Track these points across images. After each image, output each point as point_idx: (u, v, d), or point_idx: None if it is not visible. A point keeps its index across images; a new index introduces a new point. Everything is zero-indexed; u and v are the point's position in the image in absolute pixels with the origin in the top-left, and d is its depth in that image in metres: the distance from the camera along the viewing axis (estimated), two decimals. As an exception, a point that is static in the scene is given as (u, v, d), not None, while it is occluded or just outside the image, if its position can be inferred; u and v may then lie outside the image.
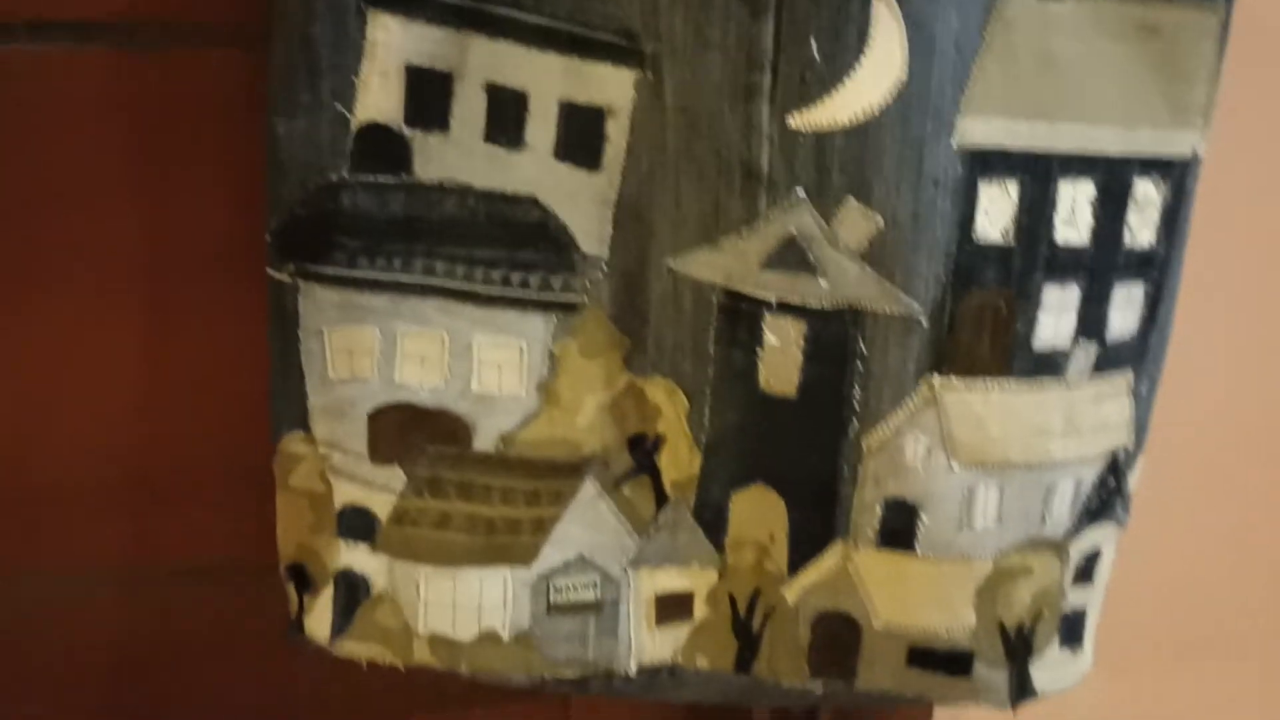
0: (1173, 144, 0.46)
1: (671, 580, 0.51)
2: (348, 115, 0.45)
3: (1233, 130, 0.49)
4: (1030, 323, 0.45)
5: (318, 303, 0.47)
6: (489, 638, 0.50)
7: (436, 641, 0.50)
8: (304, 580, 0.52)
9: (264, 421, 0.50)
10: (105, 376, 0.55)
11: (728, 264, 0.45)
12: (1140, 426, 0.50)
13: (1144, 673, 0.73)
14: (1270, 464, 0.69)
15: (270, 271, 0.48)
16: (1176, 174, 0.46)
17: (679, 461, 0.49)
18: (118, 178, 0.52)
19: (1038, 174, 0.44)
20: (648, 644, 0.52)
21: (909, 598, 0.49)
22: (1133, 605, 0.61)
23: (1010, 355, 0.45)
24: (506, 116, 0.45)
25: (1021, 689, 0.51)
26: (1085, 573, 0.52)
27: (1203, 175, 0.47)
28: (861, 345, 0.45)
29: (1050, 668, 0.52)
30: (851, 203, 0.43)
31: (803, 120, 0.42)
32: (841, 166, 0.42)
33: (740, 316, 0.46)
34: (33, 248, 0.52)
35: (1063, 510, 0.49)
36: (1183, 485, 0.66)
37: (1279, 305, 0.65)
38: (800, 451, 0.47)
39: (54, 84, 0.50)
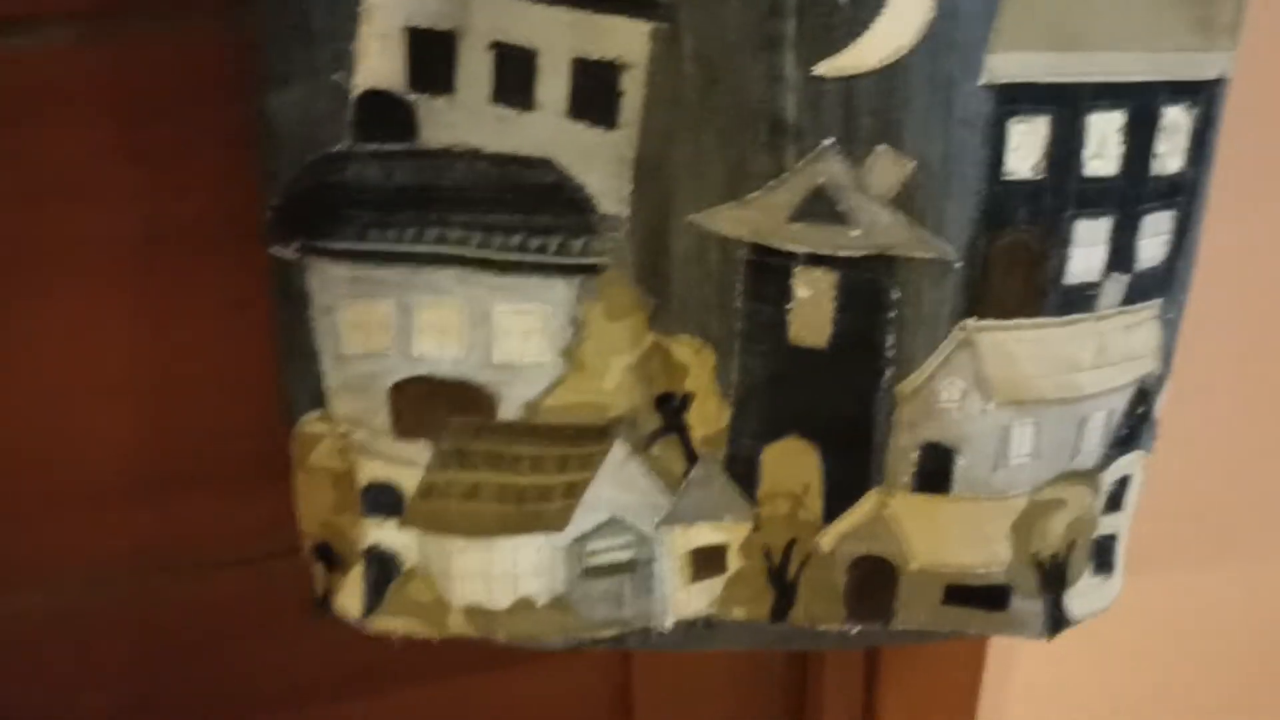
0: (1201, 67, 0.44)
1: (705, 535, 0.51)
2: (346, 84, 0.43)
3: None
4: (1062, 259, 0.44)
5: (327, 279, 0.45)
6: (524, 604, 0.50)
7: (472, 612, 0.50)
8: (331, 559, 0.51)
9: (271, 406, 0.49)
10: (108, 369, 0.54)
11: (754, 218, 0.43)
12: (1168, 352, 0.50)
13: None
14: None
15: (273, 250, 0.46)
16: (1204, 97, 0.45)
17: (708, 417, 0.48)
18: (108, 169, 0.50)
19: (1066, 106, 0.43)
20: (683, 599, 0.52)
21: (945, 538, 0.49)
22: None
23: (1043, 293, 0.45)
24: (515, 76, 0.43)
25: (1057, 619, 0.52)
26: (1115, 500, 0.52)
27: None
28: (895, 292, 0.44)
29: (1083, 595, 0.52)
30: (882, 148, 0.41)
31: (829, 66, 0.40)
32: (871, 111, 0.41)
33: (768, 270, 0.44)
34: (27, 245, 0.50)
35: (1095, 441, 0.49)
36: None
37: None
38: (832, 402, 0.47)
39: (35, 79, 0.48)
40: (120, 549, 0.58)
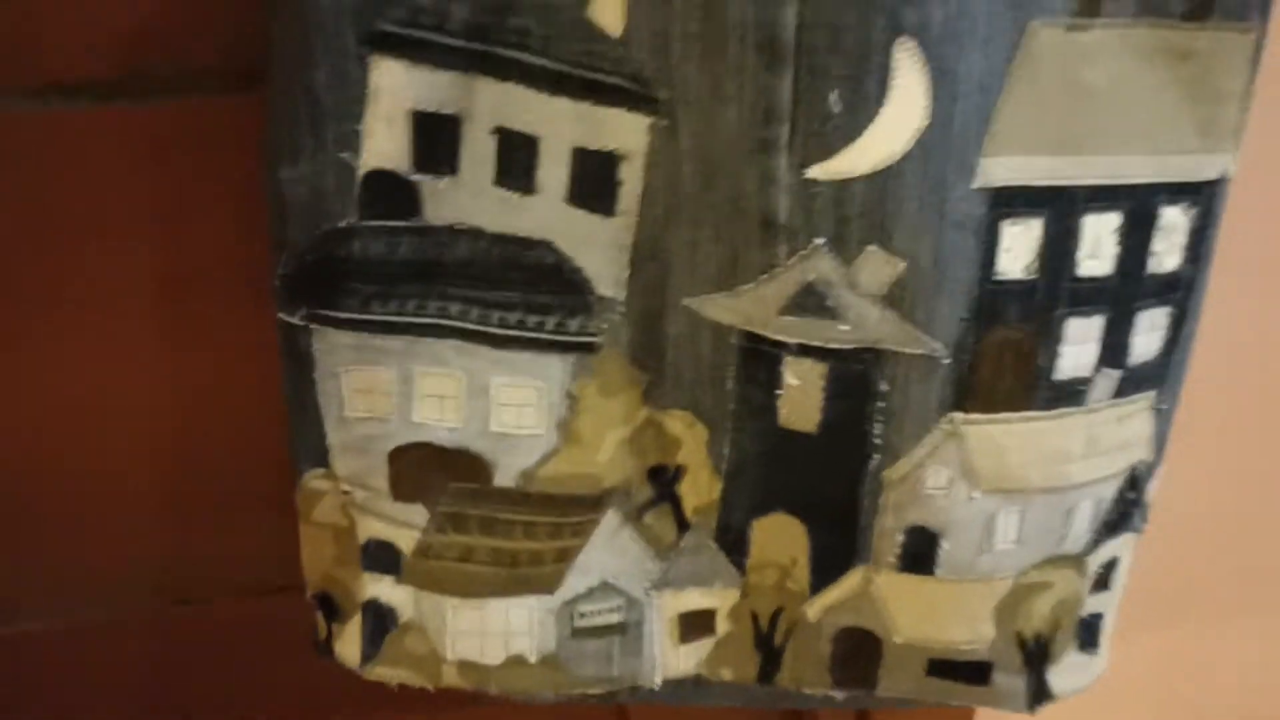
0: (1202, 169, 0.44)
1: (694, 600, 0.52)
2: (353, 162, 0.44)
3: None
4: (1052, 356, 0.45)
5: (332, 345, 0.47)
6: (516, 661, 0.51)
7: (465, 666, 0.51)
8: (332, 608, 0.53)
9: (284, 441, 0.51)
10: (131, 403, 0.56)
11: (746, 309, 0.44)
12: (1161, 440, 0.50)
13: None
14: None
15: (281, 315, 0.47)
16: (1205, 197, 0.45)
17: (700, 489, 0.49)
18: (130, 222, 0.52)
19: (1061, 209, 0.43)
20: (672, 659, 0.53)
21: (929, 615, 0.50)
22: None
23: (1032, 388, 0.45)
24: (517, 161, 0.44)
25: (1039, 694, 0.52)
26: (1103, 581, 0.53)
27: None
28: (883, 384, 0.45)
29: (1067, 671, 0.53)
30: (872, 249, 0.42)
31: (821, 171, 0.41)
32: (861, 214, 0.41)
33: (760, 357, 0.45)
34: (57, 287, 0.52)
35: (1083, 527, 0.50)
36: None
37: None
38: (821, 483, 0.48)
39: (72, 139, 0.49)
40: (136, 575, 0.60)
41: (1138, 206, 0.44)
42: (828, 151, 0.40)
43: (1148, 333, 0.47)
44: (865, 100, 0.39)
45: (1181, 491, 0.65)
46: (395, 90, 0.43)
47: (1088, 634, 0.53)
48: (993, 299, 0.44)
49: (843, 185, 0.41)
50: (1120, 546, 0.52)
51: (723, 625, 0.53)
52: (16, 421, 0.55)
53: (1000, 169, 0.42)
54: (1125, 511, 0.51)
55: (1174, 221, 0.45)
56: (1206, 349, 0.57)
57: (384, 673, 0.52)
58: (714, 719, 0.70)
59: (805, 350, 0.45)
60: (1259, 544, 0.74)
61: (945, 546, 0.48)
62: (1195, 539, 0.73)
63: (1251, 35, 0.42)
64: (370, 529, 0.50)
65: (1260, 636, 0.78)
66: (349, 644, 0.52)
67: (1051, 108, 0.41)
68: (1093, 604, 0.53)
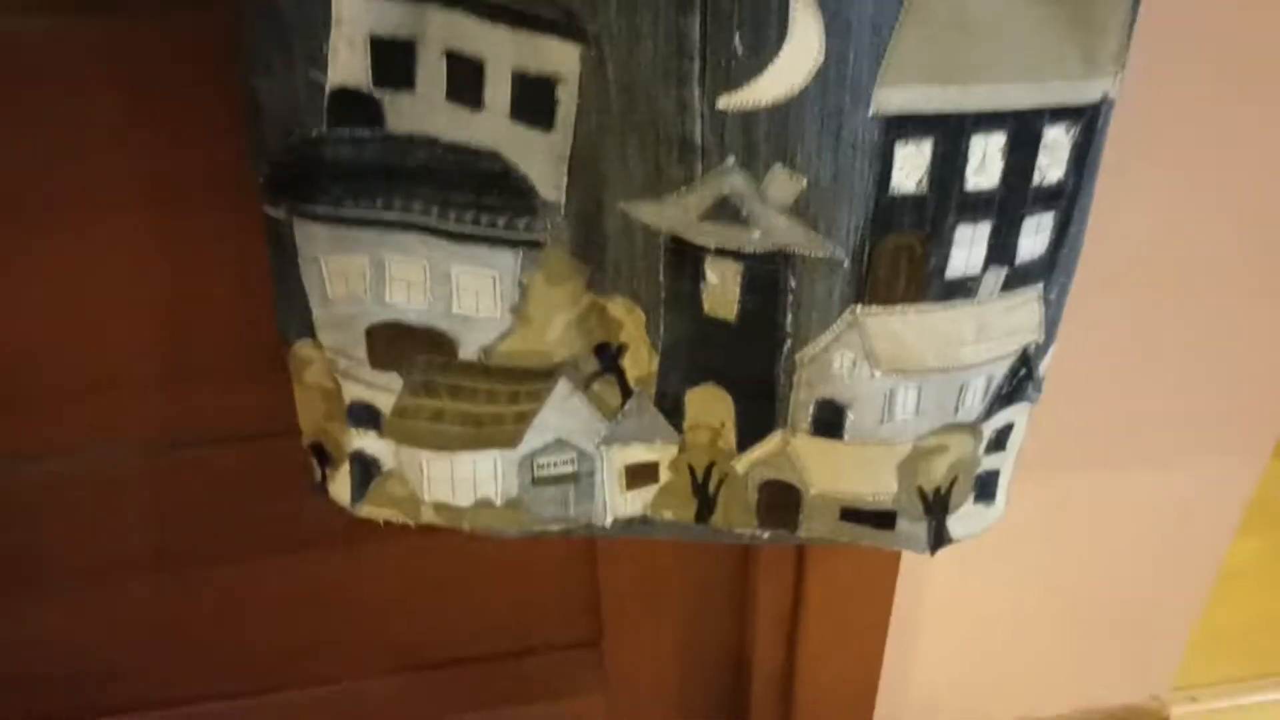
0: (1084, 93, 0.47)
1: (639, 454, 0.59)
2: (320, 79, 0.48)
3: None
4: (944, 258, 0.49)
5: (311, 235, 0.52)
6: (484, 503, 0.58)
7: (440, 507, 0.59)
8: (324, 456, 0.60)
9: (270, 317, 0.57)
10: (130, 281, 0.61)
11: (671, 215, 0.49)
12: (1051, 323, 0.55)
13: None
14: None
15: (265, 209, 0.53)
16: (1087, 117, 0.48)
17: (640, 362, 0.55)
18: (120, 127, 0.56)
19: (950, 132, 0.46)
20: (620, 503, 0.60)
21: (839, 472, 0.56)
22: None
23: (925, 285, 0.50)
24: (465, 81, 0.48)
25: (939, 538, 0.59)
26: (998, 442, 0.58)
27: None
28: (791, 281, 0.49)
29: (965, 519, 0.59)
30: (778, 168, 0.46)
31: (730, 101, 0.44)
32: (767, 138, 0.45)
33: (685, 256, 0.50)
34: (56, 188, 0.57)
35: (975, 400, 0.55)
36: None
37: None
38: (743, 362, 0.53)
39: (41, 55, 0.53)
40: (137, 428, 0.66)
41: (1022, 128, 0.47)
42: (734, 85, 0.44)
43: (1033, 234, 0.50)
44: (766, 41, 0.43)
45: (1075, 357, 0.71)
46: (355, 18, 0.47)
47: (984, 488, 0.59)
48: (887, 210, 0.48)
49: (749, 114, 0.45)
50: (1015, 414, 0.58)
51: (665, 475, 0.60)
52: (28, 302, 0.60)
53: (893, 99, 0.45)
54: (1018, 385, 0.56)
55: (1057, 139, 0.48)
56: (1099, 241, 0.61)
57: (371, 511, 0.60)
58: (670, 549, 0.79)
59: (723, 252, 0.49)
60: (1141, 399, 0.80)
61: (851, 416, 0.54)
62: (1087, 396, 0.79)
63: (1134, -31, 0.45)
64: (354, 391, 0.56)
65: (1142, 483, 0.84)
66: (340, 486, 0.59)
67: (940, 43, 0.45)
68: (989, 462, 0.58)
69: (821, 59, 0.44)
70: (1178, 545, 0.88)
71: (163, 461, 0.68)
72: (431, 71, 0.48)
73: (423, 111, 0.49)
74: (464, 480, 0.58)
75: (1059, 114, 0.48)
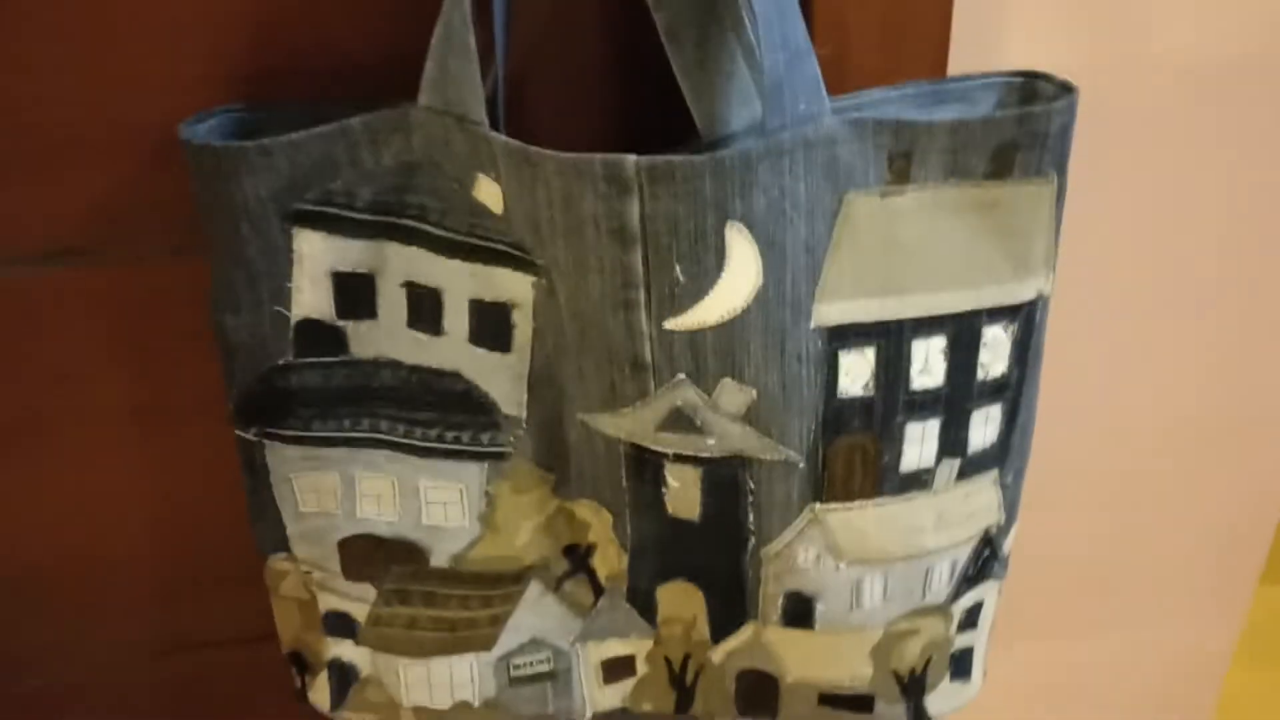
0: (1018, 293, 0.49)
1: (614, 648, 0.59)
2: (286, 313, 0.50)
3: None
4: (896, 455, 0.50)
5: (282, 456, 0.54)
6: (463, 706, 0.59)
7: (419, 710, 0.59)
8: (302, 664, 0.60)
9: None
10: (125, 506, 0.63)
11: (629, 426, 0.50)
12: (1010, 505, 0.56)
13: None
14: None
15: (238, 433, 0.54)
16: (1024, 314, 0.50)
17: (609, 561, 0.56)
18: (103, 362, 0.58)
19: (891, 338, 0.48)
20: (599, 696, 0.60)
21: (814, 660, 0.56)
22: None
23: (880, 481, 0.51)
24: (425, 309, 0.50)
25: (918, 718, 0.59)
26: (969, 621, 0.59)
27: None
28: (750, 483, 0.50)
29: (943, 697, 0.59)
30: (727, 381, 0.47)
31: (676, 324, 0.46)
32: (714, 354, 0.47)
33: (645, 463, 0.51)
34: (47, 417, 0.59)
35: (941, 584, 0.55)
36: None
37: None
38: (709, 559, 0.54)
39: (50, 295, 0.56)
40: (135, 637, 0.67)
41: (961, 331, 0.49)
42: (679, 310, 0.46)
43: (983, 425, 0.52)
44: (706, 271, 0.45)
45: (1050, 525, 0.72)
46: (316, 256, 0.49)
47: (959, 666, 0.59)
48: (837, 414, 0.49)
49: (695, 334, 0.46)
50: (983, 592, 0.58)
51: (641, 667, 0.60)
52: (23, 525, 0.62)
53: (832, 312, 0.47)
54: (983, 565, 0.57)
55: (997, 337, 0.49)
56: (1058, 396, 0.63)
57: (351, 717, 0.60)
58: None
59: (681, 458, 0.50)
60: (1118, 565, 0.80)
61: (820, 606, 0.54)
62: (1062, 562, 0.79)
63: (1052, 185, 0.47)
64: (329, 602, 0.57)
65: (1119, 647, 0.84)
66: (320, 693, 0.60)
67: (873, 260, 0.46)
68: (961, 640, 0.59)
69: (760, 281, 0.45)
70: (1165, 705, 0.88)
71: (163, 666, 0.69)
72: (392, 301, 0.50)
73: (384, 339, 0.51)
74: (441, 684, 0.58)
75: (996, 314, 0.49)
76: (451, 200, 0.48)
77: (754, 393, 0.48)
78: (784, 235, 0.45)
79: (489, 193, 0.47)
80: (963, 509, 0.54)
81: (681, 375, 0.48)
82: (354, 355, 0.51)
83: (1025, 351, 0.51)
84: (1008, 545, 0.58)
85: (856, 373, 0.49)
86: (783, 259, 0.45)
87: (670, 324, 0.46)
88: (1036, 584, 0.79)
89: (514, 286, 0.49)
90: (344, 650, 0.58)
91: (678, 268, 0.45)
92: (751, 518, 0.52)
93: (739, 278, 0.45)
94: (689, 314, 0.46)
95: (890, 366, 0.49)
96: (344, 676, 0.59)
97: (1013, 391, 0.52)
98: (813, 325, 0.47)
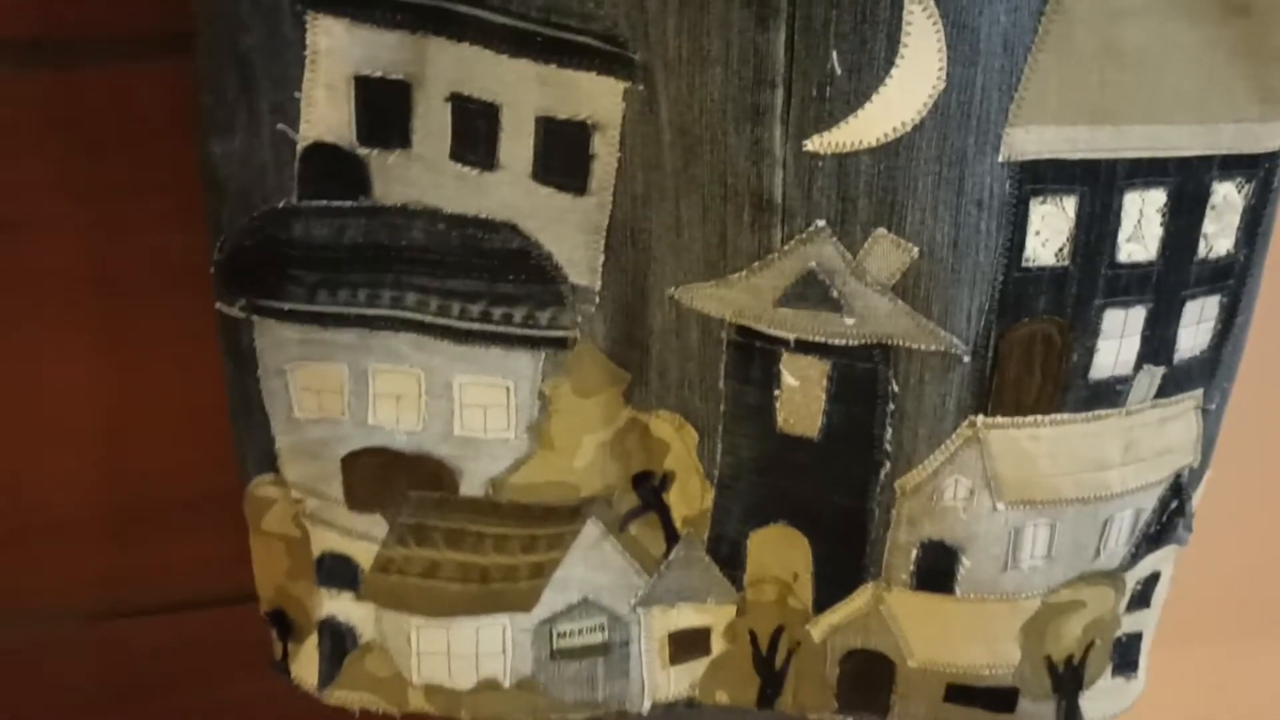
0: (1260, 139, 0.40)
1: (687, 617, 0.49)
2: (291, 135, 0.40)
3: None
4: (1088, 352, 0.41)
5: (276, 339, 0.44)
6: (489, 685, 0.48)
7: (433, 690, 0.48)
8: (286, 626, 0.50)
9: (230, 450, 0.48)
10: (66, 409, 0.54)
11: (738, 299, 0.40)
12: (1208, 443, 0.47)
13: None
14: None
15: (219, 306, 0.44)
16: (1263, 171, 0.41)
17: (690, 497, 0.46)
18: (54, 203, 0.49)
19: (1099, 185, 0.39)
20: (662, 682, 0.50)
21: (947, 637, 0.47)
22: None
23: (1064, 389, 0.42)
24: (475, 133, 0.40)
25: None
26: (1142, 598, 0.49)
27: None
28: (894, 384, 0.41)
29: (1102, 696, 0.50)
30: (881, 233, 0.38)
31: (822, 142, 0.37)
32: (869, 193, 0.37)
33: (754, 354, 0.42)
34: None
35: (1119, 541, 0.46)
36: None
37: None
38: (825, 492, 0.44)
39: None
40: (78, 587, 0.58)
41: (1186, 182, 0.40)
42: (829, 120, 0.36)
43: (1196, 325, 0.43)
44: (871, 61, 0.35)
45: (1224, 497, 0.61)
46: (336, 52, 0.39)
47: (1124, 656, 0.50)
48: (1020, 289, 0.40)
49: (846, 159, 0.37)
50: (1162, 559, 0.49)
51: (718, 644, 0.50)
52: None
53: (1028, 140, 0.38)
54: (1168, 522, 0.47)
55: (1228, 199, 0.41)
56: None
57: (344, 697, 0.49)
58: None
59: (805, 346, 0.41)
60: None
61: (966, 563, 0.44)
62: (1236, 549, 0.69)
63: (1323, -18, 0.38)
64: (325, 541, 0.47)
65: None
66: (306, 666, 0.49)
67: (1087, 70, 0.38)
68: (1130, 623, 0.49)
69: (942, 85, 0.36)
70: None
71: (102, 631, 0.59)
72: (432, 123, 0.40)
73: (420, 176, 0.41)
74: (464, 654, 0.48)
75: (1231, 165, 0.41)
76: None
77: (915, 251, 0.38)
78: (979, 18, 0.36)
79: (575, -44, 0.38)
80: (1156, 440, 0.44)
81: (821, 222, 0.38)
82: (378, 200, 0.41)
83: (1257, 225, 0.42)
84: (1197, 499, 0.48)
85: (1051, 231, 0.39)
86: (974, 54, 0.36)
87: (814, 143, 0.37)
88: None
89: (598, 98, 0.39)
90: (341, 606, 0.48)
91: (834, 55, 0.36)
92: (889, 434, 0.42)
93: (914, 77, 0.36)
94: (841, 128, 0.37)
95: (1094, 225, 0.40)
96: (339, 641, 0.48)
97: (1235, 281, 0.43)
98: (1001, 158, 0.38)
